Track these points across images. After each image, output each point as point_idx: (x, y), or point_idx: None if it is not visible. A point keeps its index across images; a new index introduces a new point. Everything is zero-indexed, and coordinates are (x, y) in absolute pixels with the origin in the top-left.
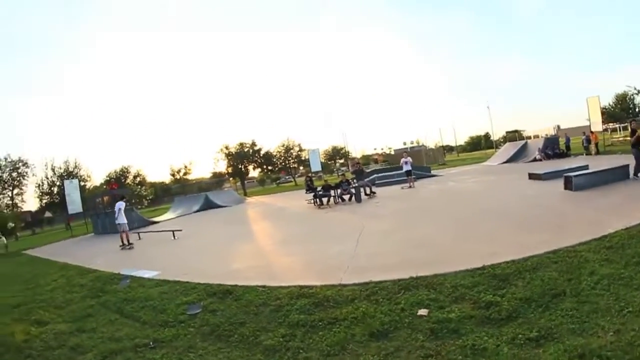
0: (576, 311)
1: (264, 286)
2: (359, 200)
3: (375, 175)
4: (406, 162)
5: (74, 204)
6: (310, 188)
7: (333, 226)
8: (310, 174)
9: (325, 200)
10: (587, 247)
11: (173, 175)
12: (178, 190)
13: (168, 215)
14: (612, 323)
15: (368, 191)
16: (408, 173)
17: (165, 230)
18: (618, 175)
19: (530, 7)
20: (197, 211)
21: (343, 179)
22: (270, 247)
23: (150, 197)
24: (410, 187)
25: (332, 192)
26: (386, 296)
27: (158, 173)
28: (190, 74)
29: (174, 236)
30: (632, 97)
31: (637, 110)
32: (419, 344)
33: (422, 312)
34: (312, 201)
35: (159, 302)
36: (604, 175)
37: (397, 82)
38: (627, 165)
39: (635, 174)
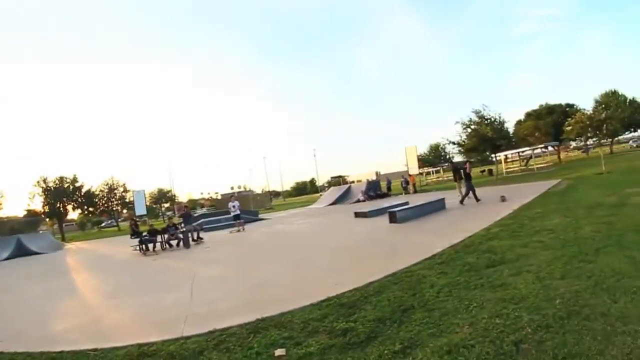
0: (429, 318)
1: (95, 349)
2: (187, 245)
3: (202, 220)
4: (234, 206)
5: None
6: (135, 232)
7: (163, 274)
8: (135, 218)
9: (151, 246)
10: (422, 266)
11: None
12: None
13: None
14: (463, 319)
15: (196, 236)
16: (236, 217)
17: None
18: (436, 206)
19: (366, 71)
20: (7, 258)
21: (170, 223)
22: (97, 301)
23: None
24: (239, 231)
25: (158, 238)
26: (236, 342)
27: None
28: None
29: None
30: (444, 146)
31: (447, 157)
32: None
33: (279, 352)
34: (138, 247)
35: None
36: (424, 208)
37: (226, 127)
38: (443, 199)
39: (461, 202)
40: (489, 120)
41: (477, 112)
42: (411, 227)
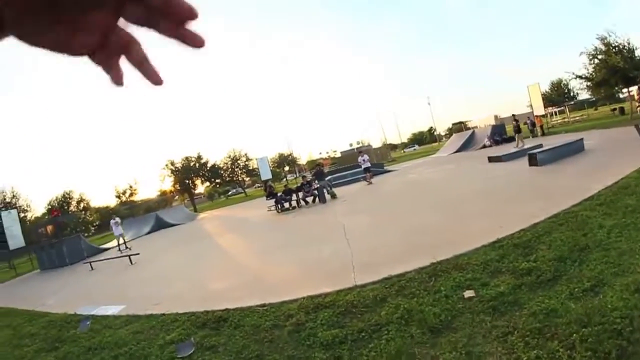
0: (607, 258)
1: (263, 304)
2: (323, 201)
3: (330, 177)
4: (364, 160)
5: (15, 238)
6: (271, 194)
7: (309, 229)
8: (267, 182)
9: (287, 204)
10: (582, 207)
11: (118, 197)
12: (125, 212)
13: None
14: None
15: (330, 191)
16: (366, 170)
17: (121, 256)
18: (575, 147)
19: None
20: (149, 232)
21: (304, 181)
22: (248, 259)
23: (97, 223)
24: (369, 183)
25: (294, 196)
26: (419, 287)
27: (102, 196)
28: (126, 90)
29: (130, 261)
30: (567, 82)
31: (572, 94)
32: (489, 326)
33: (469, 293)
34: (275, 207)
35: (135, 346)
36: (564, 149)
37: (337, 84)
38: (582, 139)
39: None
40: (616, 48)
41: (602, 39)
42: (555, 170)
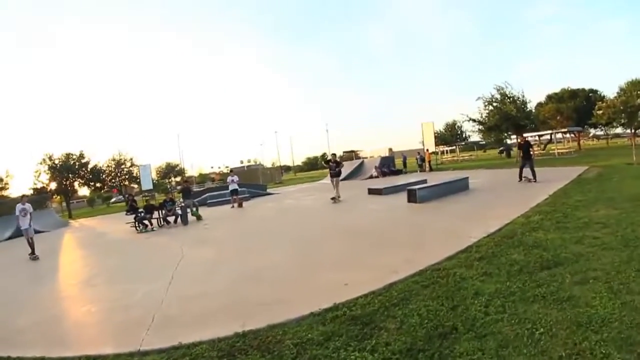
0: (481, 353)
1: (43, 358)
2: (185, 222)
3: (207, 194)
4: (232, 181)
5: None
6: (132, 209)
7: (147, 258)
8: (131, 193)
9: (151, 222)
10: (457, 262)
11: None
12: None
13: None
14: (532, 356)
15: (195, 212)
16: (234, 192)
17: None
18: (459, 186)
19: (381, 47)
20: (9, 238)
21: (167, 197)
22: (70, 289)
23: None
24: (233, 206)
25: (155, 214)
26: None
27: None
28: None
29: None
30: (461, 124)
31: (464, 136)
32: None
33: None
34: (134, 225)
35: None
36: (446, 187)
37: (239, 101)
38: (467, 177)
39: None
40: (511, 98)
41: (499, 89)
42: (434, 209)
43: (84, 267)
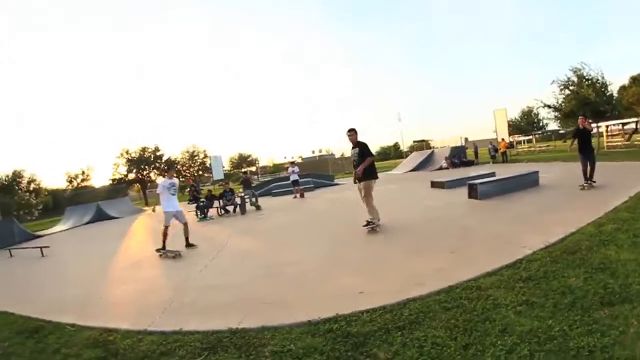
0: None
1: (74, 325)
2: (243, 211)
3: (273, 185)
4: (293, 172)
5: None
6: (194, 198)
7: (198, 243)
8: (193, 184)
9: (207, 211)
10: (495, 280)
11: (70, 182)
12: (71, 198)
13: (58, 227)
14: None
15: (254, 202)
16: (294, 183)
17: (32, 247)
18: (527, 181)
19: (448, 31)
20: (88, 222)
21: (226, 188)
22: (117, 271)
23: (40, 207)
24: (294, 197)
25: (215, 203)
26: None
27: (58, 179)
28: (94, 70)
29: (42, 253)
30: (537, 112)
31: (540, 124)
32: None
33: None
34: (195, 212)
35: None
36: (512, 182)
37: (311, 92)
38: (537, 172)
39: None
40: (589, 81)
41: (575, 71)
42: (494, 207)
43: (137, 252)
